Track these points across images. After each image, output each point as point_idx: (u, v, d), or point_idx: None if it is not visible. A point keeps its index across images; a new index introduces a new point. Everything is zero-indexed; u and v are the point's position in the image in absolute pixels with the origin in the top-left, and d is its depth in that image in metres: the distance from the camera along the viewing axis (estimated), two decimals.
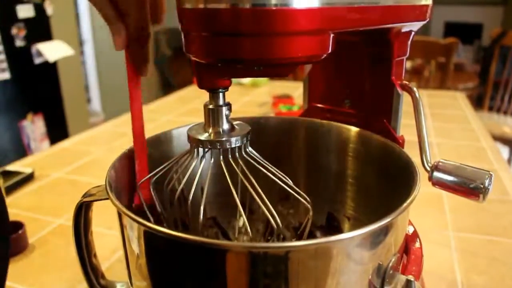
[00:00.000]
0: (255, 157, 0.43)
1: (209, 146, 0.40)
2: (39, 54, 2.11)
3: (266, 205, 0.39)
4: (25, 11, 2.03)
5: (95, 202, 0.42)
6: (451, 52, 1.99)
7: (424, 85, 2.14)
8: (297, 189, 0.43)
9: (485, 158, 0.97)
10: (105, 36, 3.66)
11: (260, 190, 0.40)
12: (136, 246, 0.34)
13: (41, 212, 0.73)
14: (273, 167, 0.43)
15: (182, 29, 0.36)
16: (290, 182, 0.44)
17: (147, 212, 0.43)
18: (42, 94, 2.21)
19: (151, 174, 0.43)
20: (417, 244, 0.43)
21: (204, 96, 0.40)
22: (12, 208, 0.75)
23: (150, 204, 0.43)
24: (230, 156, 0.41)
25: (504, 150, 2.31)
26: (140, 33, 0.38)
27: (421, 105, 0.45)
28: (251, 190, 0.39)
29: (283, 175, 0.44)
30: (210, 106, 0.41)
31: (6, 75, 1.98)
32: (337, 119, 0.53)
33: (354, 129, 0.50)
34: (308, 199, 0.43)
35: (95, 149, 1.04)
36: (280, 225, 0.40)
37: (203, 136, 0.40)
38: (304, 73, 0.58)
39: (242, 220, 0.55)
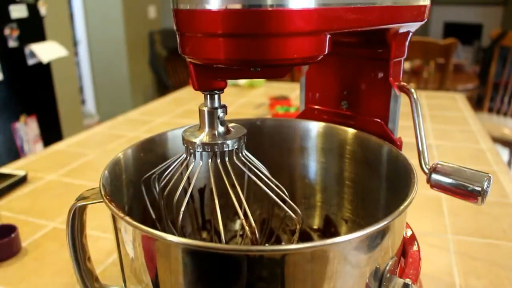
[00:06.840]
0: (249, 160, 0.42)
1: (203, 149, 0.40)
2: (33, 55, 2.09)
3: (245, 210, 0.38)
4: (18, 11, 2.01)
5: (89, 205, 0.41)
6: (450, 52, 1.99)
7: (423, 86, 2.14)
8: (286, 197, 0.42)
9: (484, 160, 0.97)
10: (99, 37, 3.65)
11: (242, 196, 0.39)
12: (131, 249, 0.33)
13: (34, 215, 0.73)
14: (267, 170, 0.43)
15: (177, 30, 0.35)
16: (283, 188, 0.43)
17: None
18: (36, 96, 2.18)
19: (145, 177, 0.43)
20: (415, 247, 0.42)
21: (199, 97, 0.39)
22: (4, 211, 0.74)
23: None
24: (220, 159, 0.40)
25: (504, 152, 2.31)
26: None
27: (419, 106, 0.45)
28: (232, 194, 0.38)
29: (276, 183, 0.43)
30: (205, 108, 0.40)
31: None
32: (334, 121, 0.52)
33: (351, 131, 0.49)
34: (298, 210, 0.42)
35: (89, 151, 1.03)
36: (255, 228, 0.39)
37: (198, 139, 0.40)
38: (301, 74, 0.57)
39: (239, 222, 0.55)
